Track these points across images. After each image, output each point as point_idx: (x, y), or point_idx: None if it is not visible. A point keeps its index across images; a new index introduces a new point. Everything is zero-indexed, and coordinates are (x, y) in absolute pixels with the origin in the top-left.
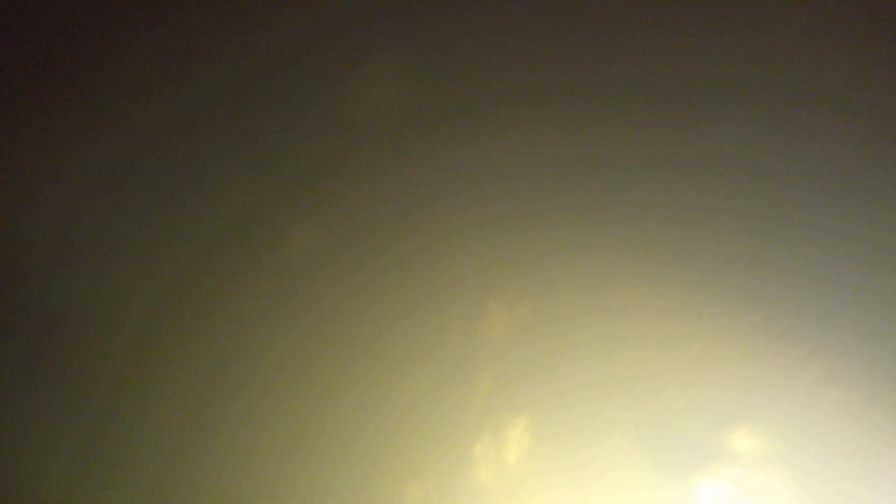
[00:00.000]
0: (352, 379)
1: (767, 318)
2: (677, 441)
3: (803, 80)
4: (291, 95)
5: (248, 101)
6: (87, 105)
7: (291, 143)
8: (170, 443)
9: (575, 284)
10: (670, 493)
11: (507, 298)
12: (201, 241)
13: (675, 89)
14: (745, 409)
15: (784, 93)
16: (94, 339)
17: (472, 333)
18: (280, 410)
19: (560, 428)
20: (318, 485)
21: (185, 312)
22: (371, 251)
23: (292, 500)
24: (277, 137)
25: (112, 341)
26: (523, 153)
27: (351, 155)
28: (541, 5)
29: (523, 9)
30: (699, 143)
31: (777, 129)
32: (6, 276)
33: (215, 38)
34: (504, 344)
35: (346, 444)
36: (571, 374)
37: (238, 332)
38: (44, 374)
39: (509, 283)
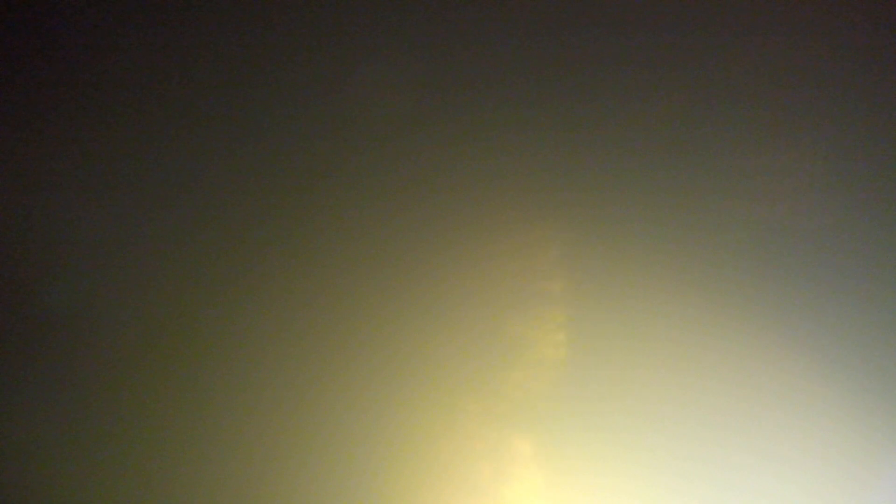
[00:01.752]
0: (353, 380)
1: (771, 319)
2: (679, 449)
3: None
4: (291, 95)
5: (248, 101)
6: (85, 104)
7: (291, 143)
8: (172, 442)
9: (581, 285)
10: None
11: (512, 302)
12: (201, 240)
13: (677, 87)
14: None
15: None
16: (94, 339)
17: (475, 336)
18: (283, 411)
19: (564, 433)
20: (322, 485)
21: (187, 312)
22: (373, 251)
23: (296, 500)
24: (277, 138)
25: (113, 341)
26: (526, 153)
27: (352, 154)
28: (541, 4)
29: (524, 8)
30: (704, 144)
31: (781, 133)
32: (5, 275)
33: (214, 37)
34: (510, 348)
35: (349, 445)
36: (578, 379)
37: (240, 331)
38: (43, 374)
39: (512, 286)
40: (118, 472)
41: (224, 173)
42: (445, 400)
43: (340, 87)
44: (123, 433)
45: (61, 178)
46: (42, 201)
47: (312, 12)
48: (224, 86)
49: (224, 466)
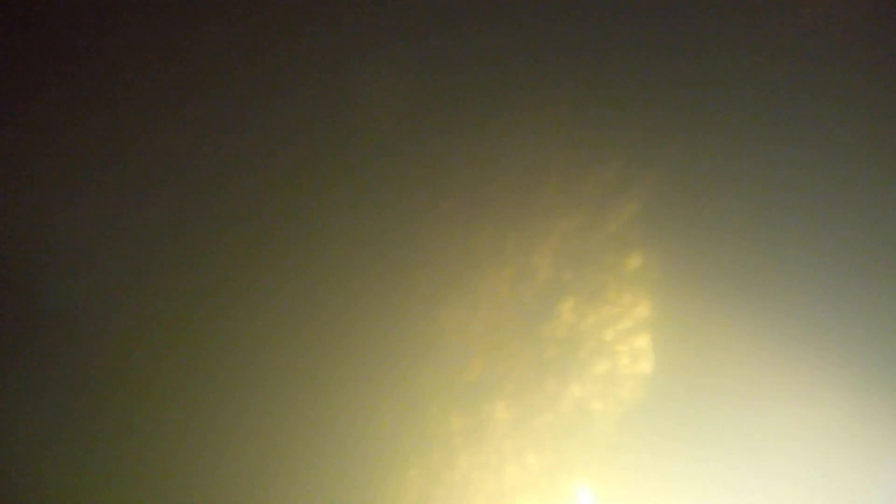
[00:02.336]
0: (352, 374)
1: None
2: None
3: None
4: (290, 94)
5: (246, 100)
6: (86, 104)
7: (289, 141)
8: (169, 441)
9: (577, 283)
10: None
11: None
12: (201, 240)
13: (678, 81)
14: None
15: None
16: (93, 339)
17: (470, 329)
18: (277, 405)
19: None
20: (318, 478)
21: (185, 311)
22: (371, 250)
23: (292, 494)
24: (275, 136)
25: (112, 341)
26: (524, 149)
27: (350, 153)
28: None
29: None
30: (702, 138)
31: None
32: (5, 275)
33: (213, 35)
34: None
35: (343, 435)
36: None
37: (238, 330)
38: (43, 374)
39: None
40: (116, 470)
41: (224, 173)
42: (462, 404)
43: (340, 84)
44: (122, 431)
45: (61, 178)
46: (42, 200)
47: (312, 8)
48: (222, 84)
49: (219, 463)
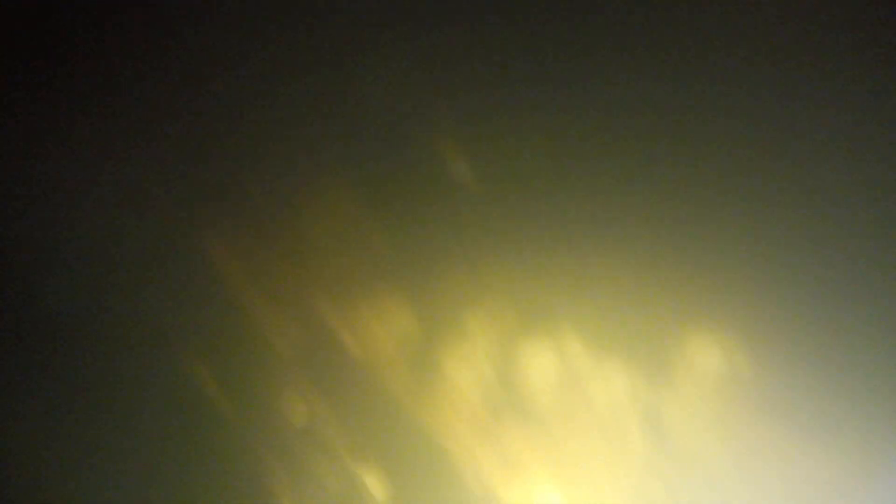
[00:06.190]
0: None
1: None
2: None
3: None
4: (293, 90)
5: (250, 98)
6: (87, 102)
7: (293, 140)
8: (174, 444)
9: (568, 285)
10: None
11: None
12: (204, 239)
13: (681, 79)
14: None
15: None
16: (96, 340)
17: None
18: (286, 407)
19: None
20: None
21: (189, 311)
22: (370, 251)
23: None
24: (280, 135)
25: (115, 342)
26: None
27: (352, 151)
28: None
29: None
30: (707, 134)
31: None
32: (6, 275)
33: (214, 35)
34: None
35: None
36: None
37: (245, 330)
38: (45, 375)
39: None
40: (119, 472)
41: (228, 172)
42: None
43: (341, 81)
44: (125, 432)
45: (63, 176)
46: (44, 199)
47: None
48: (226, 83)
49: (227, 465)
